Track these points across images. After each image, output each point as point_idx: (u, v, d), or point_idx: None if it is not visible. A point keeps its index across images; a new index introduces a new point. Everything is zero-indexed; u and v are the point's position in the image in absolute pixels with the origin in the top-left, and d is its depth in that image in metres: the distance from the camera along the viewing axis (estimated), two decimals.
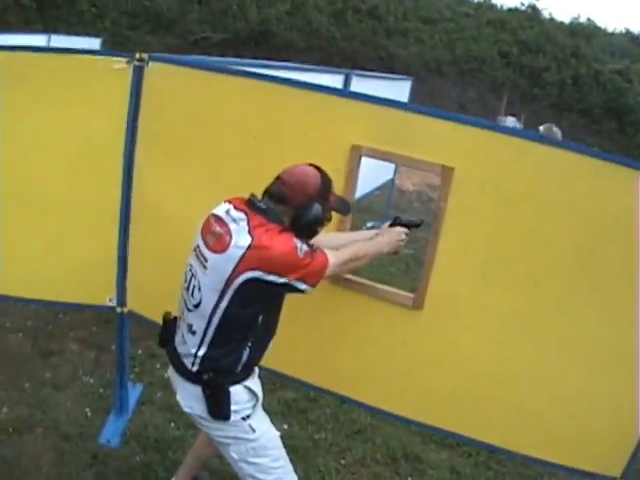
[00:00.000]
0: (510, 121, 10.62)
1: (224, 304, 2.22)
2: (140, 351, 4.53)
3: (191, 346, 2.33)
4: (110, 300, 3.40)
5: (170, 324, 2.54)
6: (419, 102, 12.74)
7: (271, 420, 3.90)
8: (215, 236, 2.24)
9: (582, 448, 2.54)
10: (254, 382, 2.47)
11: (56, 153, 3.12)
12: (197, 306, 2.29)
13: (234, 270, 2.16)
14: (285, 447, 3.64)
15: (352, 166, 2.58)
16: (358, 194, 6.99)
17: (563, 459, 2.58)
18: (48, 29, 8.36)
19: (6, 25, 10.64)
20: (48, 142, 3.11)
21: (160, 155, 3.04)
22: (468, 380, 2.62)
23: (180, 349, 2.40)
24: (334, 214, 2.43)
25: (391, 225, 2.57)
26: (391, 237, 2.53)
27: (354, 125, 2.56)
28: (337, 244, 2.46)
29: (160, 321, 3.28)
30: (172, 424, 3.74)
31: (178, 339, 2.43)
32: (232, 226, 2.22)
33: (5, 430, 3.46)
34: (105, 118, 3.07)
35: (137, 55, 2.94)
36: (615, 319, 2.39)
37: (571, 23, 19.19)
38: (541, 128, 8.24)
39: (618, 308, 2.37)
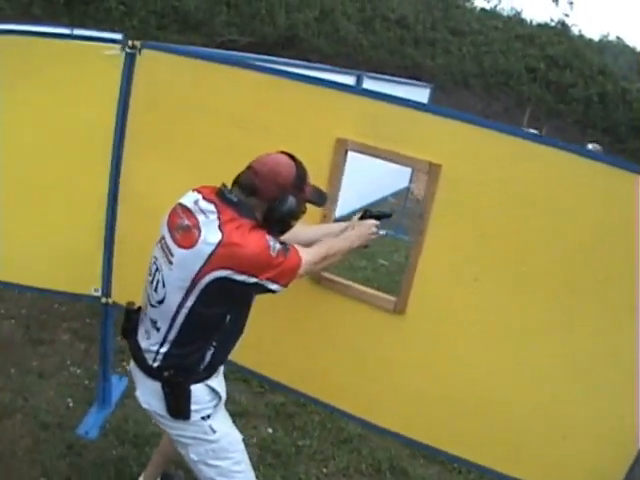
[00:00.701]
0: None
1: (189, 303, 2.09)
2: None
3: (154, 342, 2.21)
4: (95, 290, 3.34)
5: (133, 315, 2.40)
6: None
7: (256, 424, 3.86)
8: (182, 229, 2.11)
9: (579, 466, 2.38)
10: (217, 381, 2.36)
11: (47, 138, 3.07)
12: (161, 302, 2.17)
13: (201, 268, 2.03)
14: (267, 451, 3.57)
15: (337, 160, 2.48)
16: (371, 199, 6.93)
17: None
18: (75, 24, 8.33)
19: (32, 19, 10.69)
20: (37, 127, 3.06)
21: (149, 144, 2.97)
22: (454, 391, 2.49)
23: (142, 343, 2.27)
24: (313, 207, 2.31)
25: (361, 218, 2.46)
26: (361, 230, 2.42)
27: (341, 118, 2.46)
28: (306, 238, 2.37)
29: None
30: (153, 420, 3.65)
31: (141, 333, 2.31)
32: (201, 219, 2.08)
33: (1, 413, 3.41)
34: (96, 105, 3.02)
35: (130, 42, 2.87)
36: (614, 326, 2.24)
37: (600, 40, 18.94)
38: (589, 147, 8.12)
39: (617, 314, 2.22)
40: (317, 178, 2.51)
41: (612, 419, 2.28)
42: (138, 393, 2.34)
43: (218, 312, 2.14)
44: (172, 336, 2.16)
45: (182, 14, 14.86)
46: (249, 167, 2.16)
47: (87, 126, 3.03)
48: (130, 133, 3.00)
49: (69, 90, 3.00)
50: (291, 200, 2.12)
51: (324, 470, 3.50)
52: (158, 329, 2.19)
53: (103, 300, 3.37)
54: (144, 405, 2.33)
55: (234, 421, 3.75)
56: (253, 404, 3.99)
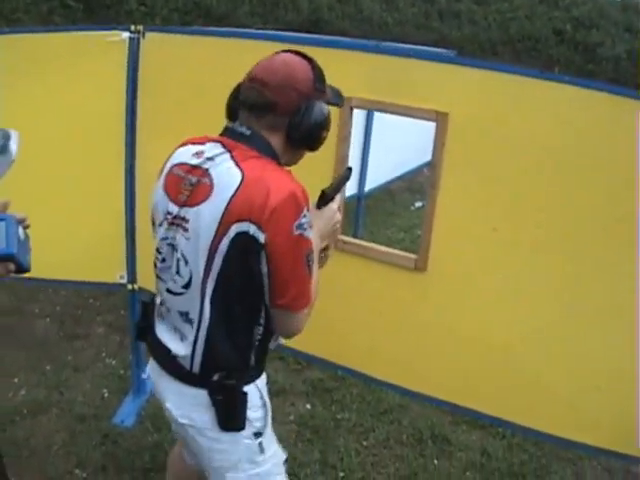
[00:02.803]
0: None
1: (215, 269, 1.66)
2: None
3: (190, 340, 1.76)
4: (121, 277, 3.35)
5: (150, 310, 1.97)
6: None
7: (293, 401, 3.81)
8: (190, 187, 1.70)
9: (612, 426, 2.27)
10: (263, 384, 1.92)
11: (59, 132, 3.06)
12: (187, 286, 1.73)
13: (222, 220, 1.61)
14: (306, 427, 3.53)
15: (344, 119, 2.40)
16: (404, 169, 6.82)
17: (590, 438, 2.31)
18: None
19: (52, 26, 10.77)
20: (51, 122, 3.04)
21: (162, 126, 2.92)
22: (480, 349, 2.39)
23: (172, 345, 1.81)
24: None
25: (318, 205, 1.90)
26: (322, 227, 1.88)
27: (344, 76, 2.37)
28: None
29: None
30: (180, 439, 3.64)
31: (166, 332, 1.85)
32: (209, 165, 1.69)
33: (20, 412, 3.44)
34: (106, 94, 3.00)
35: (132, 27, 2.86)
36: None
37: None
38: None
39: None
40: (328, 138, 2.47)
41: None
42: (170, 406, 1.88)
43: (254, 271, 1.65)
44: (209, 325, 1.73)
45: (204, 9, 14.83)
46: (252, 79, 1.73)
47: (99, 115, 3.02)
48: (142, 118, 2.99)
49: (77, 82, 2.99)
50: (319, 106, 1.72)
51: (364, 443, 3.43)
52: (191, 322, 1.75)
53: (129, 287, 3.37)
54: (181, 420, 1.85)
55: (271, 400, 3.77)
56: (290, 382, 3.94)
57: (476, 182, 2.24)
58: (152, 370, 1.93)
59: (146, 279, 3.32)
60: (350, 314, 2.63)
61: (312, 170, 2.52)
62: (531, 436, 2.48)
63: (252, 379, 1.83)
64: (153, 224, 1.89)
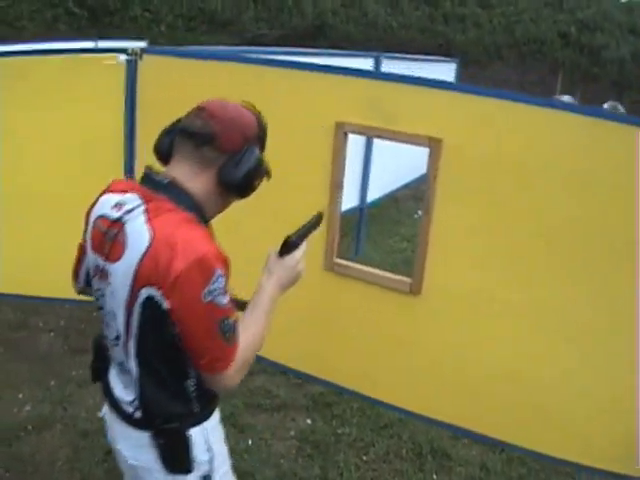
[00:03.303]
0: (566, 100, 10.20)
1: (134, 329, 1.64)
2: None
3: (130, 389, 1.75)
4: None
5: (104, 351, 1.87)
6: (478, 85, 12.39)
7: (294, 416, 3.84)
8: (110, 241, 1.63)
9: (608, 446, 2.28)
10: (214, 427, 1.86)
11: (58, 152, 3.07)
12: (118, 338, 1.71)
13: (133, 282, 1.57)
14: (306, 442, 3.56)
15: (338, 144, 2.42)
16: (409, 178, 6.83)
17: (589, 459, 2.32)
18: (102, 37, 8.43)
19: (57, 34, 10.82)
20: (49, 142, 3.06)
21: None
22: (475, 372, 2.40)
23: (116, 391, 1.80)
24: None
25: (282, 252, 1.86)
26: (283, 277, 1.84)
27: (338, 101, 2.41)
28: None
29: None
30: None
31: (113, 378, 1.83)
32: (126, 218, 1.61)
33: (24, 428, 3.49)
34: (104, 114, 3.02)
35: (129, 49, 2.89)
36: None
37: (628, 1, 18.36)
38: (605, 106, 7.83)
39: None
40: (320, 164, 2.50)
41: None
42: (120, 447, 1.85)
43: (168, 334, 1.60)
44: (138, 379, 1.71)
45: (209, 14, 14.92)
46: (199, 109, 1.70)
47: (98, 137, 3.03)
48: (140, 139, 2.99)
49: (75, 102, 3.00)
50: (257, 154, 1.70)
51: (364, 458, 3.47)
52: (128, 371, 1.73)
53: None
54: (130, 461, 1.82)
55: (272, 415, 3.81)
56: (291, 396, 3.99)
57: (470, 208, 2.25)
58: (106, 411, 1.90)
59: None
60: (346, 334, 2.65)
61: (306, 196, 2.58)
62: (529, 455, 2.48)
63: (199, 422, 1.78)
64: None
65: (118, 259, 1.59)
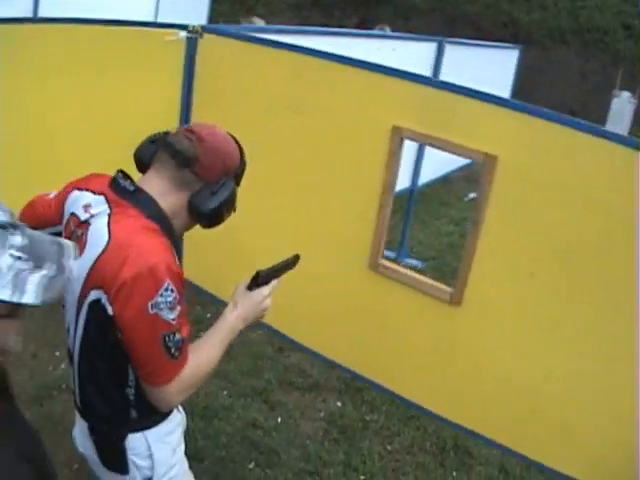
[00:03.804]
0: (624, 97, 9.96)
1: (79, 330, 1.67)
2: (209, 315, 4.58)
3: (74, 379, 1.79)
4: None
5: None
6: (538, 70, 12.20)
7: (325, 397, 3.91)
8: (76, 239, 1.62)
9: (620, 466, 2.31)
10: (162, 437, 1.84)
11: (113, 124, 3.06)
12: (68, 331, 1.75)
13: (84, 283, 1.58)
14: (334, 426, 3.64)
15: (393, 149, 2.43)
16: (463, 162, 6.77)
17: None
18: None
19: None
20: (106, 115, 3.06)
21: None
22: (503, 387, 2.44)
23: (70, 378, 1.85)
24: None
25: (250, 286, 1.82)
26: (247, 310, 1.79)
27: (397, 105, 2.41)
28: None
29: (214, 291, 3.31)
30: (225, 392, 3.78)
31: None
32: (91, 221, 1.63)
33: (58, 386, 3.59)
34: (161, 89, 3.04)
35: (190, 26, 2.89)
36: None
37: None
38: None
39: None
40: (373, 165, 2.52)
41: None
42: (74, 433, 1.93)
43: (111, 337, 1.60)
44: (79, 377, 1.75)
45: None
46: (190, 131, 1.69)
47: (152, 113, 2.98)
48: (195, 119, 3.02)
49: (133, 76, 3.00)
50: (233, 186, 1.72)
51: (388, 447, 3.53)
52: (73, 364, 1.77)
53: None
54: (80, 449, 1.91)
55: (304, 395, 3.89)
56: (324, 376, 4.05)
57: (518, 226, 2.25)
58: None
59: (192, 272, 3.41)
60: (384, 333, 2.69)
61: (356, 197, 2.60)
62: (539, 468, 2.52)
63: (139, 429, 1.78)
64: None
65: (79, 256, 1.54)
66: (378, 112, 2.46)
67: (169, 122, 3.01)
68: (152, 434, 1.80)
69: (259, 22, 6.37)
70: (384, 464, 3.39)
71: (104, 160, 3.04)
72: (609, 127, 8.83)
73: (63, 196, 1.80)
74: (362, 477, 3.28)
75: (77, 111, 2.98)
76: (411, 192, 5.87)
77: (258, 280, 1.80)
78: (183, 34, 2.91)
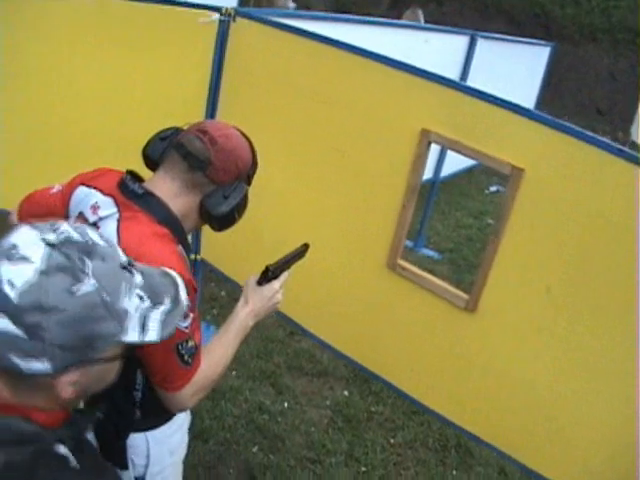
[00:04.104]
0: None
1: None
2: (223, 292, 4.63)
3: None
4: None
5: None
6: (567, 66, 12.07)
7: (333, 385, 3.95)
8: None
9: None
10: (162, 440, 1.87)
11: (139, 102, 3.08)
12: None
13: None
14: (339, 415, 3.68)
15: (420, 152, 2.43)
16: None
17: None
18: None
19: None
20: (131, 93, 3.07)
21: (240, 115, 2.94)
22: (513, 396, 2.46)
23: None
24: None
25: (260, 281, 1.80)
26: (258, 307, 1.78)
27: (426, 107, 2.40)
28: None
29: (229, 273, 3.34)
30: (234, 373, 3.81)
31: None
32: (100, 224, 1.60)
33: None
34: (190, 71, 3.04)
35: (224, 9, 2.88)
36: None
37: None
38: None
39: None
40: (398, 165, 2.52)
41: None
42: None
43: None
44: None
45: None
46: (202, 131, 1.65)
47: (180, 94, 3.04)
48: (222, 103, 3.04)
49: (165, 56, 3.00)
50: (246, 191, 1.70)
51: (391, 440, 3.57)
52: None
53: (192, 256, 3.49)
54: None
55: (312, 381, 3.93)
56: (333, 364, 4.08)
57: (538, 240, 2.25)
58: None
59: (208, 252, 3.45)
60: (397, 333, 2.71)
61: (378, 195, 2.61)
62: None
63: (141, 429, 1.81)
64: None
65: None
66: (406, 113, 2.46)
67: (197, 105, 3.04)
68: (153, 435, 1.84)
69: (290, 5, 6.35)
70: (386, 457, 3.43)
71: (126, 139, 3.06)
72: (635, 128, 8.73)
73: (69, 191, 1.75)
74: (363, 469, 3.32)
75: (104, 86, 2.99)
76: (433, 183, 5.86)
77: (268, 274, 1.78)
78: (216, 16, 2.90)
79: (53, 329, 0.94)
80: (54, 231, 0.99)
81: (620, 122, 11.52)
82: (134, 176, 1.66)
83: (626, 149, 2.04)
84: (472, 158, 2.35)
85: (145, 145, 1.76)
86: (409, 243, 5.78)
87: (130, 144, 3.05)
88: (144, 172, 1.73)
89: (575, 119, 11.64)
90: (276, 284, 1.81)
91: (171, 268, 1.41)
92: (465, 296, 2.46)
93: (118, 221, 1.56)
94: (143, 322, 1.05)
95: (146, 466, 1.85)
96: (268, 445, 3.35)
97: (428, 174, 5.52)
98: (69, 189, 1.75)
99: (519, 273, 2.33)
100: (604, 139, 2.10)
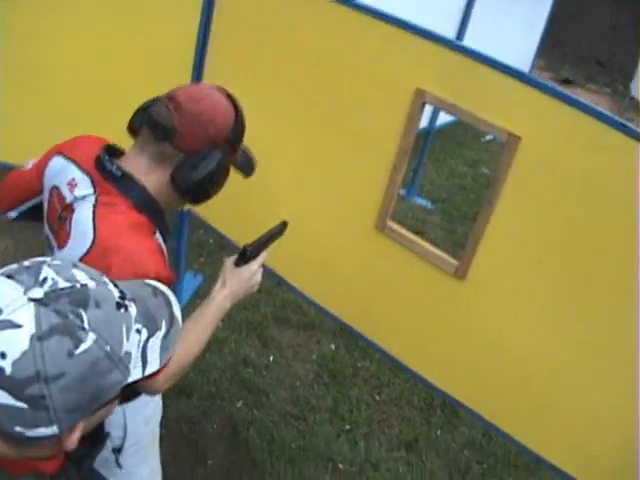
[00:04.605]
0: None
1: None
2: (211, 240, 4.57)
3: None
4: None
5: None
6: (568, 17, 11.68)
7: (319, 338, 3.91)
8: (59, 221, 1.53)
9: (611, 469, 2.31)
10: (138, 412, 1.89)
11: (126, 64, 2.99)
12: None
13: None
14: (325, 369, 3.66)
15: (414, 112, 2.33)
16: None
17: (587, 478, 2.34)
18: None
19: None
20: (119, 53, 2.97)
21: (227, 73, 2.85)
22: (499, 364, 2.42)
23: None
24: None
25: (237, 262, 1.71)
26: (235, 289, 1.69)
27: (420, 66, 2.30)
28: None
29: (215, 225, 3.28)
30: (220, 324, 3.77)
31: None
32: (75, 206, 1.50)
33: None
34: (176, 31, 2.93)
35: None
36: None
37: None
38: None
39: None
40: (390, 127, 2.43)
41: None
42: None
43: None
44: None
45: None
46: (170, 98, 1.52)
47: (168, 53, 2.94)
48: (210, 61, 2.94)
49: (150, 17, 2.91)
50: (220, 159, 1.54)
51: (376, 397, 3.56)
52: None
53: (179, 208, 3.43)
54: None
55: (299, 333, 3.90)
56: (321, 316, 4.02)
57: (531, 211, 2.18)
58: None
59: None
60: (386, 295, 2.67)
61: (370, 156, 2.53)
62: (527, 455, 2.53)
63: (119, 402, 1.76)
64: None
65: (63, 247, 1.51)
66: (400, 71, 2.34)
67: (182, 60, 2.93)
68: (130, 407, 1.82)
69: None
70: (370, 415, 3.42)
71: (110, 95, 2.99)
72: (635, 83, 8.60)
73: (44, 162, 1.67)
74: (347, 426, 3.32)
75: (88, 40, 2.92)
76: (428, 132, 5.75)
77: (246, 255, 1.71)
78: None
79: (57, 397, 0.86)
80: (38, 283, 0.88)
81: (620, 75, 11.33)
82: (113, 151, 1.57)
83: (628, 124, 1.95)
84: (468, 122, 2.26)
85: (129, 120, 1.64)
86: (402, 191, 5.70)
87: (114, 100, 2.98)
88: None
89: (574, 70, 11.46)
90: (254, 265, 1.73)
91: (146, 267, 1.37)
92: (455, 262, 2.40)
93: (94, 207, 1.47)
94: (144, 355, 0.99)
95: (123, 438, 1.85)
96: (252, 400, 3.33)
97: (423, 122, 5.40)
98: (44, 160, 1.67)
99: (511, 243, 2.27)
100: (607, 112, 2.00)
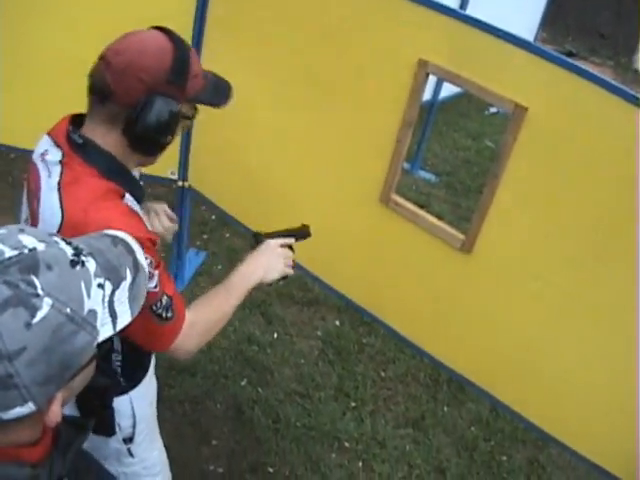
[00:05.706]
0: None
1: None
2: (214, 217, 4.52)
3: None
4: (172, 173, 3.36)
5: None
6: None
7: (324, 314, 3.87)
8: (32, 198, 1.50)
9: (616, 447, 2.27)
10: (142, 396, 1.86)
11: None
12: None
13: None
14: (330, 346, 3.62)
15: (417, 83, 2.27)
16: None
17: (593, 454, 2.30)
18: None
19: None
20: (117, 32, 2.90)
21: (227, 46, 2.82)
22: (506, 341, 2.38)
23: None
24: None
25: (253, 247, 1.78)
26: (269, 260, 1.75)
27: (424, 36, 2.23)
28: None
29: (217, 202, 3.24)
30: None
31: None
32: (43, 180, 1.46)
33: None
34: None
35: None
36: None
37: None
38: None
39: None
40: (394, 98, 2.37)
41: None
42: None
43: None
44: None
45: None
46: (101, 57, 1.44)
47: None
48: (209, 35, 2.88)
49: None
50: (160, 104, 1.42)
51: (382, 374, 3.53)
52: None
53: (179, 183, 3.40)
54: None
55: (303, 310, 3.86)
56: (325, 293, 3.99)
57: (538, 184, 2.12)
58: None
59: (197, 180, 3.35)
60: (390, 269, 2.63)
61: (373, 129, 2.47)
62: (536, 434, 2.50)
63: (124, 392, 1.76)
64: None
65: (34, 224, 1.48)
66: (403, 41, 2.28)
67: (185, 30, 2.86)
68: (135, 394, 1.79)
69: None
70: (376, 392, 3.39)
71: None
72: (638, 57, 8.48)
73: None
74: (353, 404, 3.28)
75: (85, 22, 2.89)
76: (431, 105, 5.67)
77: (258, 239, 1.75)
78: None
79: (24, 373, 0.81)
80: None
81: (623, 48, 11.19)
82: (76, 123, 1.50)
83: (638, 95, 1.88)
84: (473, 93, 2.19)
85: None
86: (406, 165, 5.63)
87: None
88: None
89: (578, 42, 11.30)
90: (283, 241, 1.82)
91: (122, 230, 1.27)
92: (461, 237, 2.35)
93: (59, 184, 1.41)
94: (111, 310, 0.93)
95: (133, 426, 1.81)
96: (257, 378, 3.30)
97: (427, 95, 5.33)
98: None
99: (517, 218, 2.22)
100: (613, 82, 1.94)
